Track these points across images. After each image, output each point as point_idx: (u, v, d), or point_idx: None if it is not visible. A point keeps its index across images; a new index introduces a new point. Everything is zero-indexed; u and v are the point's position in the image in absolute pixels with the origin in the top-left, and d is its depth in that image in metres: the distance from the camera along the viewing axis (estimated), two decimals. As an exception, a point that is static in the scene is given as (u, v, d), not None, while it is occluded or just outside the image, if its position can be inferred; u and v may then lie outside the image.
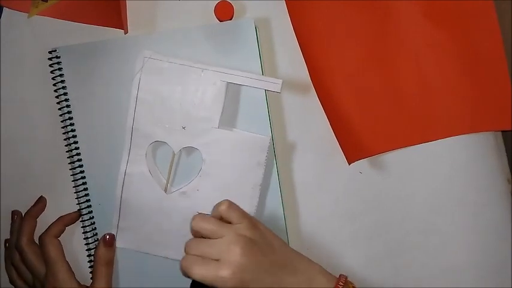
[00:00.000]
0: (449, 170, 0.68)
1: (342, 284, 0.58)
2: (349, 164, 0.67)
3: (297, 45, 0.68)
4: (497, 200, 0.68)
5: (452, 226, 0.67)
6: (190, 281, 0.66)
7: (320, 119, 0.68)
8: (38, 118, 0.72)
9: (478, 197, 0.67)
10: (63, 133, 0.70)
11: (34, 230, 0.70)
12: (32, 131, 0.72)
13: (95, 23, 0.70)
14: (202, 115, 0.67)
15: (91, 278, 0.69)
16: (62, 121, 0.70)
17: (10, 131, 0.72)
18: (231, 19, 0.69)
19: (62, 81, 0.70)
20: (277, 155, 0.68)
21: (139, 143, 0.68)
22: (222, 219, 0.60)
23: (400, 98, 0.67)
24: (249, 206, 0.66)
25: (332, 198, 0.69)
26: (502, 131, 0.70)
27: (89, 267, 0.70)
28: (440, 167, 0.68)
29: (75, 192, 0.70)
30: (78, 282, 0.68)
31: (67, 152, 0.70)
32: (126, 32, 0.69)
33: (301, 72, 0.69)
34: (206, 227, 0.58)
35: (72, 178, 0.70)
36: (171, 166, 0.68)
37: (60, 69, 0.70)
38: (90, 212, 0.70)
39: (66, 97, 0.70)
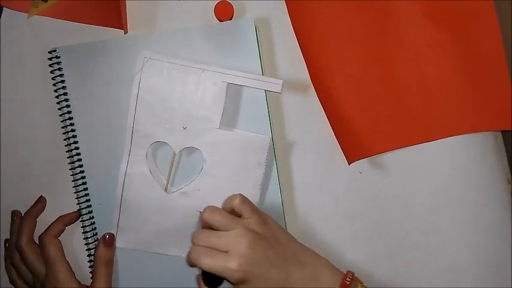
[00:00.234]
0: (450, 170, 0.68)
1: (349, 280, 0.59)
2: (349, 164, 0.67)
3: (297, 45, 0.68)
4: (497, 200, 0.68)
5: (452, 226, 0.67)
6: (189, 279, 0.67)
7: (320, 119, 0.68)
8: (38, 118, 0.72)
9: (478, 197, 0.68)
10: (63, 133, 0.70)
11: (34, 230, 0.70)
12: (32, 131, 0.72)
13: (95, 23, 0.70)
14: (202, 115, 0.67)
15: (91, 278, 0.69)
16: (62, 121, 0.70)
17: (10, 131, 0.72)
18: (231, 19, 0.69)
19: (62, 81, 0.70)
20: (277, 155, 0.68)
21: (140, 143, 0.68)
22: (232, 213, 0.61)
23: (400, 98, 0.67)
24: None
25: (332, 198, 0.69)
26: (502, 131, 0.70)
27: (89, 267, 0.70)
28: (440, 167, 0.68)
29: (75, 192, 0.70)
30: (79, 282, 0.68)
31: (67, 152, 0.70)
32: (126, 32, 0.69)
33: (301, 72, 0.69)
34: (218, 218, 0.60)
35: (72, 178, 0.70)
36: (171, 166, 0.68)
37: (60, 69, 0.70)
38: (90, 212, 0.70)
39: (66, 97, 0.70)
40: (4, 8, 0.72)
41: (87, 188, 0.70)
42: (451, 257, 0.67)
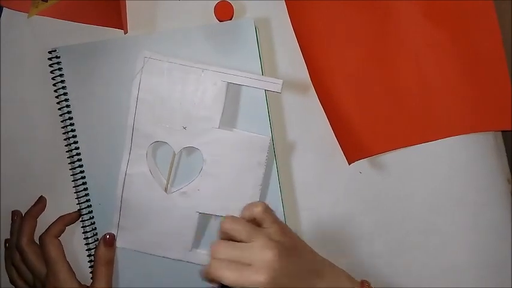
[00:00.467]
0: (449, 170, 0.68)
1: None
2: (349, 164, 0.67)
3: (297, 45, 0.68)
4: (497, 200, 0.68)
5: (452, 226, 0.67)
6: (189, 279, 0.67)
7: (320, 119, 0.68)
8: (38, 118, 0.72)
9: (478, 197, 0.68)
10: (63, 133, 0.70)
11: (34, 230, 0.70)
12: (32, 131, 0.72)
13: (95, 23, 0.70)
14: (202, 115, 0.67)
15: (91, 278, 0.69)
16: (62, 121, 0.70)
17: (10, 131, 0.72)
18: (231, 19, 0.69)
19: (62, 81, 0.70)
20: (277, 155, 0.68)
21: (140, 143, 0.68)
22: (252, 221, 0.58)
23: (400, 98, 0.67)
24: None
25: (332, 198, 0.69)
26: (502, 131, 0.70)
27: (89, 267, 0.70)
28: (440, 167, 0.68)
29: (75, 192, 0.70)
30: (79, 282, 0.68)
31: (67, 152, 0.70)
32: (126, 32, 0.69)
33: (301, 72, 0.69)
34: (239, 228, 0.56)
35: (72, 178, 0.70)
36: (171, 166, 0.68)
37: (60, 69, 0.70)
38: (90, 212, 0.70)
39: (66, 97, 0.70)
40: (4, 8, 0.72)
41: (87, 188, 0.70)
42: (451, 257, 0.67)
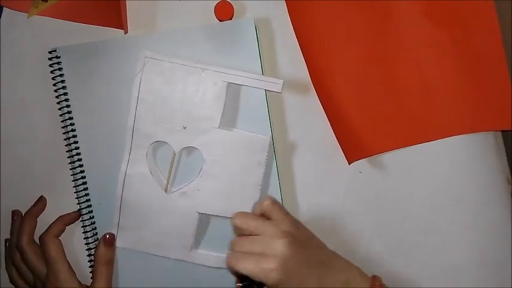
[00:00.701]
0: (449, 170, 0.68)
1: (377, 285, 0.59)
2: (349, 164, 0.67)
3: (297, 45, 0.68)
4: (497, 199, 0.68)
5: (452, 226, 0.67)
6: (189, 279, 0.67)
7: (320, 119, 0.68)
8: (38, 118, 0.72)
9: (478, 197, 0.68)
10: (63, 133, 0.70)
11: (34, 230, 0.70)
12: (32, 131, 0.72)
13: (95, 23, 0.70)
14: (203, 115, 0.67)
15: (91, 278, 0.69)
16: (62, 121, 0.70)
17: (10, 131, 0.72)
18: (231, 19, 0.69)
19: (62, 81, 0.70)
20: (277, 155, 0.68)
21: (140, 143, 0.68)
22: (263, 216, 0.60)
23: (400, 98, 0.67)
24: (249, 206, 0.66)
25: (332, 198, 0.69)
26: (502, 131, 0.70)
27: (89, 267, 0.70)
28: (440, 167, 0.68)
29: (75, 192, 0.70)
30: (79, 282, 0.68)
31: (67, 152, 0.70)
32: (126, 32, 0.69)
33: (301, 72, 0.69)
34: (250, 222, 0.59)
35: (72, 178, 0.70)
36: (171, 166, 0.68)
37: (60, 69, 0.70)
38: (90, 211, 0.70)
39: (66, 97, 0.70)
40: (4, 8, 0.72)
41: (87, 188, 0.70)
42: (451, 257, 0.67)
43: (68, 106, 0.70)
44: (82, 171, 0.70)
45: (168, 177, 0.68)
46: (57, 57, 0.70)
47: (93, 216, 0.70)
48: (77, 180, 0.70)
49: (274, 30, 0.70)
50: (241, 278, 0.59)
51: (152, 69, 0.68)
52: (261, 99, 0.67)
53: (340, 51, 0.68)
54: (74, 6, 0.70)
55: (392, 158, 0.68)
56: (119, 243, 0.69)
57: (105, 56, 0.69)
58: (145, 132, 0.68)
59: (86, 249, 0.70)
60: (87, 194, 0.70)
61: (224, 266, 0.63)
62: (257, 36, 0.67)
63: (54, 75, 0.70)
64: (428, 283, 0.67)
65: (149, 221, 0.68)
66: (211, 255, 0.68)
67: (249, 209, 0.66)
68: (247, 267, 0.57)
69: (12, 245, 0.70)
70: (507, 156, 0.70)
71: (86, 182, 0.70)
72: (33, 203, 0.71)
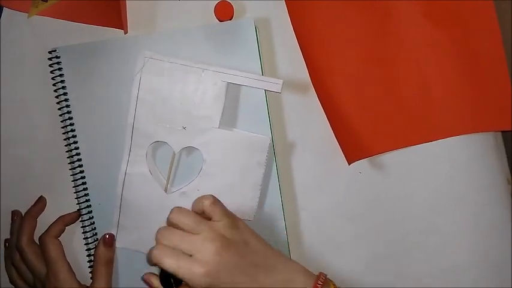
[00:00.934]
0: (449, 170, 0.68)
1: (321, 283, 0.58)
2: (349, 164, 0.67)
3: (297, 45, 0.68)
4: (497, 200, 0.68)
5: (452, 226, 0.67)
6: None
7: (320, 119, 0.68)
8: (38, 118, 0.72)
9: (478, 197, 0.67)
10: (63, 133, 0.70)
11: (34, 230, 0.70)
12: (32, 131, 0.72)
13: (95, 23, 0.70)
14: (202, 115, 0.67)
15: (91, 278, 0.69)
16: (62, 121, 0.70)
17: (10, 131, 0.72)
18: (231, 19, 0.69)
19: (62, 81, 0.70)
20: (277, 155, 0.68)
21: (140, 142, 0.68)
22: (202, 214, 0.60)
23: (400, 98, 0.67)
24: (249, 206, 0.66)
25: (332, 198, 0.69)
26: (502, 131, 0.70)
27: (89, 267, 0.70)
28: (440, 167, 0.68)
29: (75, 192, 0.70)
30: (79, 282, 0.68)
31: (67, 152, 0.70)
32: (126, 32, 0.69)
33: (301, 72, 0.69)
34: (185, 221, 0.58)
35: (72, 178, 0.70)
36: (171, 166, 0.68)
37: (60, 69, 0.70)
38: (90, 212, 0.70)
39: (66, 97, 0.70)
40: (4, 8, 0.72)
41: (87, 188, 0.70)
42: (451, 257, 0.67)
43: (67, 106, 0.70)
44: (82, 171, 0.70)
45: (168, 177, 0.68)
46: (57, 57, 0.70)
47: (93, 217, 0.70)
48: (76, 180, 0.70)
49: (274, 30, 0.70)
50: (162, 271, 0.58)
51: (152, 69, 0.68)
52: (260, 99, 0.67)
53: (340, 51, 0.68)
54: (74, 6, 0.70)
55: (392, 158, 0.68)
56: (118, 243, 0.69)
57: (105, 56, 0.69)
58: (145, 132, 0.68)
59: (86, 250, 0.70)
60: (86, 194, 0.70)
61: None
62: (257, 37, 0.67)
63: (54, 75, 0.70)
64: (428, 283, 0.67)
65: (149, 221, 0.68)
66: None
67: (249, 210, 0.66)
68: (174, 265, 0.56)
69: (12, 245, 0.70)
70: (507, 156, 0.70)
71: (85, 182, 0.70)
72: (33, 203, 0.71)
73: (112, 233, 0.69)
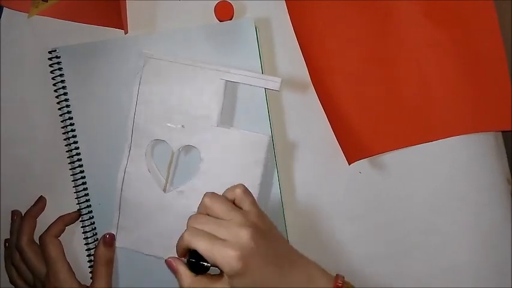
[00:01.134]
0: (450, 170, 0.68)
1: (340, 283, 0.58)
2: (349, 164, 0.67)
3: (297, 45, 0.68)
4: (497, 200, 0.68)
5: (452, 226, 0.67)
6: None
7: (320, 119, 0.68)
8: (38, 118, 0.72)
9: (478, 197, 0.67)
10: (63, 133, 0.70)
11: (34, 230, 0.70)
12: (32, 131, 0.72)
13: (95, 23, 0.70)
14: (201, 114, 0.67)
15: (91, 278, 0.69)
16: (62, 121, 0.70)
17: (10, 131, 0.72)
18: (231, 19, 0.69)
19: (62, 81, 0.70)
20: (278, 154, 0.68)
21: (139, 141, 0.68)
22: (232, 202, 0.59)
23: (400, 98, 0.67)
24: None
25: (332, 198, 0.69)
26: (502, 132, 0.70)
27: (89, 267, 0.70)
28: (440, 167, 0.68)
29: (75, 192, 0.70)
30: (79, 282, 0.68)
31: (67, 152, 0.70)
32: (126, 32, 0.69)
33: (301, 72, 0.69)
34: (219, 206, 0.58)
35: (72, 178, 0.70)
36: (170, 165, 0.68)
37: (60, 69, 0.70)
38: (90, 211, 0.70)
39: (66, 97, 0.70)
40: (4, 8, 0.72)
41: (87, 188, 0.70)
42: (451, 257, 0.67)
43: (67, 106, 0.70)
44: (82, 171, 0.70)
45: (167, 176, 0.68)
46: (57, 57, 0.70)
47: (93, 217, 0.70)
48: (76, 180, 0.70)
49: (274, 30, 0.70)
50: (190, 257, 0.57)
51: (151, 69, 0.68)
52: (260, 98, 0.67)
53: (340, 51, 0.68)
54: (74, 6, 0.70)
55: (392, 158, 0.68)
56: (118, 243, 0.69)
57: (104, 56, 0.69)
58: (144, 131, 0.68)
59: (86, 249, 0.70)
60: (86, 194, 0.70)
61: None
62: (257, 37, 0.67)
63: (54, 75, 0.70)
64: (428, 283, 0.67)
65: (148, 220, 0.68)
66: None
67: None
68: (208, 247, 0.55)
69: (12, 245, 0.70)
70: (507, 156, 0.70)
71: (85, 182, 0.70)
72: (33, 203, 0.71)
73: (112, 233, 0.69)
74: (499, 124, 0.67)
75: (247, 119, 0.67)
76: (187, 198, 0.67)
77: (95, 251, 0.69)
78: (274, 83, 0.65)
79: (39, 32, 0.72)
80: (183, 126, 0.67)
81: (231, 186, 0.60)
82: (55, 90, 0.70)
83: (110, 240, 0.69)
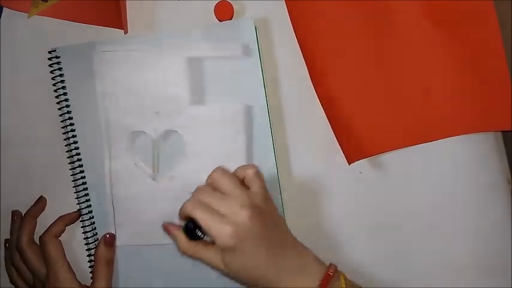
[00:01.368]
0: (450, 170, 0.68)
1: (332, 272, 0.59)
2: (349, 164, 0.67)
3: (297, 45, 0.68)
4: (497, 200, 0.68)
5: (452, 226, 0.67)
6: (190, 278, 0.67)
7: (320, 119, 0.68)
8: (38, 118, 0.72)
9: (478, 197, 0.67)
10: (63, 133, 0.70)
11: (34, 230, 0.70)
12: (32, 131, 0.72)
13: (95, 23, 0.70)
14: (171, 96, 0.67)
15: (91, 278, 0.69)
16: (62, 121, 0.70)
17: (10, 131, 0.72)
18: (230, 19, 0.69)
19: (62, 81, 0.70)
20: (277, 155, 0.68)
21: (117, 137, 0.68)
22: (241, 181, 0.60)
23: (400, 98, 0.67)
24: None
25: (332, 198, 0.69)
26: (502, 132, 0.70)
27: (89, 267, 0.70)
28: (440, 167, 0.68)
29: (75, 192, 0.70)
30: (79, 282, 0.68)
31: (67, 152, 0.70)
32: (126, 32, 0.69)
33: (301, 72, 0.69)
34: (226, 182, 0.59)
35: (72, 178, 0.70)
36: (154, 153, 0.68)
37: (60, 69, 0.70)
38: (90, 212, 0.70)
39: (66, 97, 0.70)
40: (4, 8, 0.72)
41: (87, 188, 0.70)
42: (451, 257, 0.67)
43: (67, 106, 0.70)
44: (82, 171, 0.70)
45: (154, 165, 0.68)
46: (57, 57, 0.70)
47: (93, 217, 0.70)
48: (76, 180, 0.70)
49: (274, 30, 0.70)
50: (188, 224, 0.59)
51: (108, 62, 0.68)
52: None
53: (340, 51, 0.68)
54: (74, 6, 0.70)
55: (392, 158, 0.68)
56: (118, 241, 0.69)
57: (105, 56, 0.69)
58: (119, 125, 0.68)
59: (86, 249, 0.70)
60: (87, 194, 0.70)
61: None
62: (257, 36, 0.67)
63: (54, 75, 0.70)
64: (428, 283, 0.67)
65: (144, 212, 0.68)
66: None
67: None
68: (207, 219, 0.57)
69: (12, 245, 0.70)
70: (507, 156, 0.70)
71: (85, 182, 0.70)
72: (33, 203, 0.71)
73: (112, 233, 0.69)
74: (499, 124, 0.67)
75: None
76: (180, 181, 0.67)
77: (95, 251, 0.69)
78: (234, 48, 0.66)
79: (39, 32, 0.72)
80: (156, 112, 0.67)
81: (244, 165, 0.61)
82: (55, 90, 0.70)
83: (110, 240, 0.69)
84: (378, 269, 0.68)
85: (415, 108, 0.67)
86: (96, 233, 0.70)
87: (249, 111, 0.67)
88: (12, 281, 0.71)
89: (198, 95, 0.67)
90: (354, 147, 0.67)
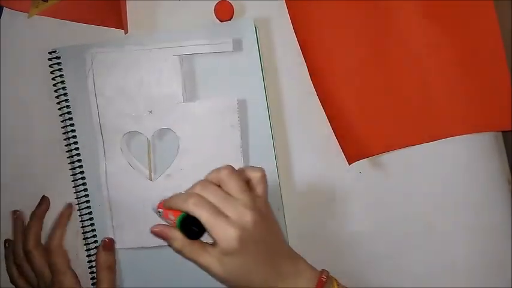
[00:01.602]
0: (450, 170, 0.68)
1: (324, 278, 0.59)
2: (349, 164, 0.67)
3: (297, 45, 0.68)
4: (497, 200, 0.68)
5: (452, 226, 0.67)
6: (191, 278, 0.66)
7: (320, 119, 0.68)
8: (38, 118, 0.72)
9: (478, 197, 0.67)
10: (63, 133, 0.70)
11: (41, 232, 0.70)
12: (32, 131, 0.72)
13: (95, 23, 0.70)
14: (164, 95, 0.67)
15: (92, 284, 0.69)
16: (62, 121, 0.70)
17: (10, 131, 0.72)
18: (231, 19, 0.69)
19: (62, 82, 0.70)
20: (277, 155, 0.68)
21: (112, 138, 0.68)
22: (247, 182, 0.60)
23: (400, 98, 0.67)
24: None
25: (332, 198, 0.69)
26: (503, 132, 0.70)
27: (89, 267, 0.70)
28: (440, 167, 0.68)
29: (75, 192, 0.70)
30: None
31: (67, 152, 0.70)
32: (126, 32, 0.69)
33: (301, 72, 0.69)
34: (235, 183, 0.58)
35: (72, 178, 0.70)
36: (149, 153, 0.68)
37: (60, 69, 0.70)
38: (90, 212, 0.70)
39: (66, 97, 0.70)
40: (4, 8, 0.72)
41: (87, 188, 0.70)
42: (451, 257, 0.67)
43: (67, 106, 0.70)
44: (82, 172, 0.70)
45: (149, 165, 0.68)
46: (57, 57, 0.70)
47: (93, 217, 0.70)
48: (76, 180, 0.70)
49: (274, 30, 0.70)
50: (183, 218, 0.57)
51: (101, 63, 0.68)
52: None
53: (340, 51, 0.68)
54: (74, 6, 0.70)
55: (392, 158, 0.68)
56: (118, 244, 0.69)
57: (104, 56, 0.69)
58: (113, 127, 0.68)
59: (86, 250, 0.70)
60: (87, 195, 0.70)
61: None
62: (257, 36, 0.67)
63: (54, 76, 0.70)
64: (428, 283, 0.67)
65: (142, 213, 0.68)
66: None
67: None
68: (210, 220, 0.56)
69: (17, 246, 0.70)
70: (507, 156, 0.70)
71: (85, 182, 0.70)
72: (33, 203, 0.71)
73: (111, 237, 0.69)
74: (499, 124, 0.67)
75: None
76: (176, 179, 0.67)
77: (96, 257, 0.68)
78: (226, 44, 0.66)
79: (39, 32, 0.72)
80: (150, 111, 0.67)
81: (252, 167, 0.61)
82: (55, 90, 0.70)
83: (109, 245, 0.68)
84: (378, 268, 0.68)
85: (415, 108, 0.67)
86: (96, 235, 0.70)
87: (244, 106, 0.67)
88: (12, 281, 0.71)
89: (191, 92, 0.67)
90: (354, 147, 0.67)
